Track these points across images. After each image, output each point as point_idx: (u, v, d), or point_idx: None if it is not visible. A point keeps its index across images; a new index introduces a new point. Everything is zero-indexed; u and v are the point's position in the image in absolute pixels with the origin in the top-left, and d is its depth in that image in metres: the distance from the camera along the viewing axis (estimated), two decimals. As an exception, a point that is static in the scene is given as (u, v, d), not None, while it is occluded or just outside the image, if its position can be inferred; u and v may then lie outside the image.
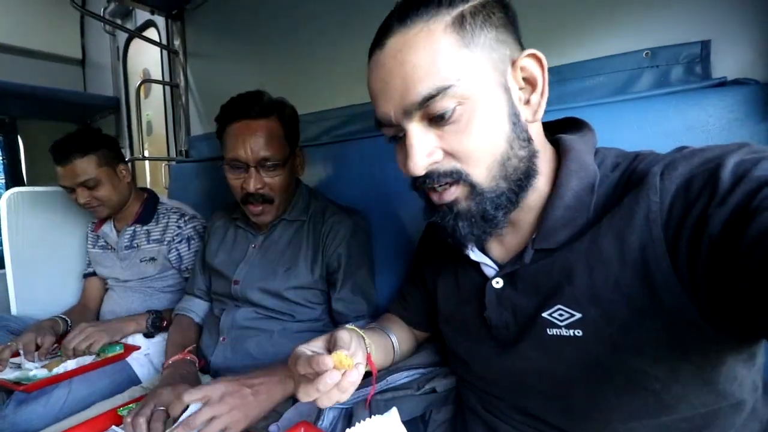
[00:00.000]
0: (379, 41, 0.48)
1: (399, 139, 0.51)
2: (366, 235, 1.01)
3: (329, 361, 0.46)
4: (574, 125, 0.56)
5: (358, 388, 0.66)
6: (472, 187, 0.48)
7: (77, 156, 1.21)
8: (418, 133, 0.47)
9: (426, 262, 0.75)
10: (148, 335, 1.23)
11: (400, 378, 0.71)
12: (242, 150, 0.89)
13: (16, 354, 1.08)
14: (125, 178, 1.33)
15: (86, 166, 1.23)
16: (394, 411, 0.57)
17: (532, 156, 0.49)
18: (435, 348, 0.78)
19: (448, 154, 0.48)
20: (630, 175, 0.47)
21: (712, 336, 0.40)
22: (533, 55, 0.47)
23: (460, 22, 0.44)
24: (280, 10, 1.48)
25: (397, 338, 0.75)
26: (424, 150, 0.47)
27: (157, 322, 1.23)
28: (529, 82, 0.48)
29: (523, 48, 0.49)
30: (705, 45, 0.71)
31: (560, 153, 0.52)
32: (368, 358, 0.57)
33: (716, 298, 0.38)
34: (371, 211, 1.08)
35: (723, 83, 0.67)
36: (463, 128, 0.46)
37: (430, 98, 0.44)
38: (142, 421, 0.73)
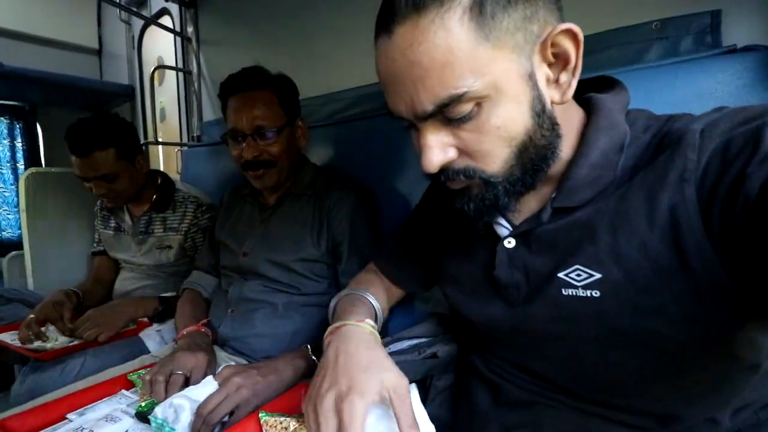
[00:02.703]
0: (386, 24, 0.43)
1: (413, 128, 0.48)
2: (371, 209, 1.02)
3: None
4: (607, 84, 0.53)
5: None
6: (486, 180, 0.46)
7: (97, 149, 1.17)
8: (432, 131, 0.45)
9: (430, 219, 0.73)
10: (153, 321, 1.24)
11: (401, 345, 0.72)
12: (239, 121, 0.93)
13: (41, 323, 1.12)
14: (142, 169, 1.31)
15: (105, 160, 1.19)
16: (414, 389, 0.56)
17: (554, 140, 0.46)
18: (437, 319, 0.78)
19: (463, 152, 0.46)
20: (664, 136, 0.44)
21: (738, 300, 0.38)
22: (568, 31, 0.41)
23: (480, 5, 0.39)
24: (289, -4, 1.49)
25: (380, 305, 0.71)
26: (439, 149, 0.45)
27: (164, 314, 1.23)
28: (560, 59, 0.43)
29: (558, 11, 0.44)
30: (715, 14, 0.70)
31: (590, 111, 0.49)
32: None
33: (748, 261, 0.36)
34: (378, 190, 1.08)
35: (733, 50, 0.66)
36: (480, 127, 0.43)
37: (443, 106, 0.42)
38: (161, 379, 0.74)
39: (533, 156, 0.45)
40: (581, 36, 0.42)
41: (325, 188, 1.02)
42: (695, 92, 0.65)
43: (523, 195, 0.48)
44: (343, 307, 0.65)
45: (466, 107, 0.42)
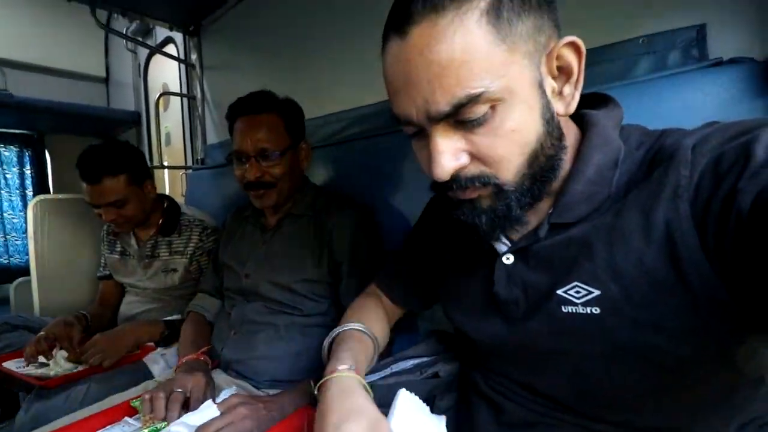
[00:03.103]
0: (399, 26, 0.42)
1: (420, 135, 0.47)
2: (372, 228, 1.03)
3: None
4: (600, 101, 0.53)
5: (368, 373, 0.66)
6: (499, 188, 0.46)
7: (108, 176, 1.19)
8: (442, 135, 0.44)
9: (429, 237, 0.72)
10: (159, 345, 1.24)
11: (405, 364, 0.72)
12: (243, 142, 0.96)
13: (50, 343, 1.13)
14: (150, 194, 1.33)
15: (115, 186, 1.21)
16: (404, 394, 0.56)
17: (560, 151, 0.46)
18: (437, 338, 0.78)
19: (476, 157, 0.45)
20: (657, 151, 0.44)
21: (736, 314, 0.38)
22: (572, 43, 0.43)
23: (497, 9, 0.40)
24: (290, 23, 1.53)
25: (379, 336, 0.70)
26: (451, 154, 0.44)
27: (169, 338, 1.23)
28: (564, 71, 0.44)
29: (559, 30, 0.45)
30: (700, 29, 0.71)
31: (584, 128, 0.49)
32: None
33: (744, 275, 0.36)
34: (377, 209, 1.09)
35: (719, 63, 0.67)
36: (494, 131, 0.42)
37: (460, 107, 0.41)
38: (161, 395, 0.75)
39: (543, 165, 0.46)
40: (584, 49, 0.43)
41: (325, 208, 1.03)
42: (683, 105, 0.66)
43: (532, 207, 0.48)
44: (335, 349, 0.63)
45: (482, 109, 0.41)
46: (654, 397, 0.46)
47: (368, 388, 0.56)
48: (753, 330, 0.40)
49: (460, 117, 0.42)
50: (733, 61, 0.65)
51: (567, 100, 0.45)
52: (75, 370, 1.08)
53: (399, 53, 0.43)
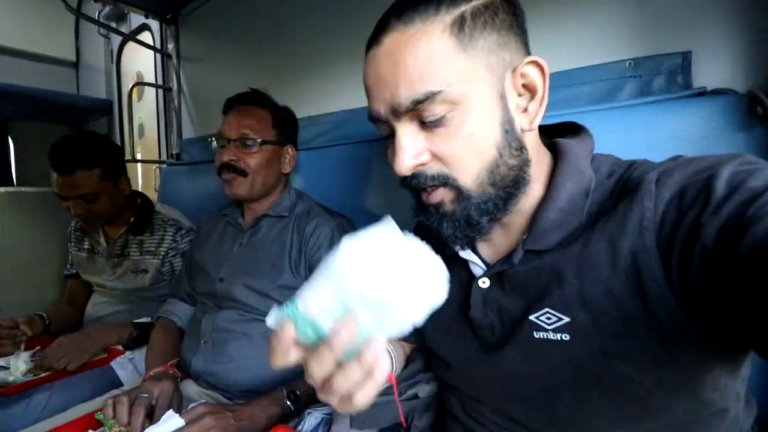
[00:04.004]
0: (375, 37, 0.47)
1: (391, 136, 0.50)
2: None
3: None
4: (572, 130, 0.55)
5: None
6: (459, 192, 0.48)
7: (81, 168, 1.14)
8: (407, 133, 0.47)
9: None
10: (127, 347, 1.20)
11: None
12: (227, 127, 0.99)
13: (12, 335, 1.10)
14: (124, 191, 1.28)
15: (87, 180, 1.16)
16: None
17: (523, 165, 0.48)
18: (419, 356, 0.77)
19: (436, 157, 0.47)
20: (625, 182, 0.46)
21: (701, 345, 0.40)
22: (535, 62, 0.46)
23: (459, 24, 0.44)
24: (274, 17, 1.49)
25: (395, 354, 0.70)
26: (412, 151, 0.47)
27: (139, 340, 1.18)
28: (529, 90, 0.48)
29: (528, 52, 0.48)
30: (686, 56, 0.72)
31: (557, 156, 0.51)
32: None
33: (708, 308, 0.37)
34: (359, 216, 1.07)
35: (703, 93, 0.68)
36: (452, 133, 0.45)
37: (419, 102, 0.44)
38: (124, 400, 0.73)
39: (504, 175, 0.47)
40: (547, 68, 0.46)
41: (305, 214, 1.01)
42: (668, 133, 0.67)
43: (497, 218, 0.50)
44: None
45: (440, 108, 0.44)
46: (623, 425, 0.47)
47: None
48: (717, 361, 0.42)
49: (420, 113, 0.45)
50: (716, 92, 0.67)
51: (531, 116, 0.48)
52: (37, 377, 1.03)
53: (374, 57, 0.47)
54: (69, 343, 1.08)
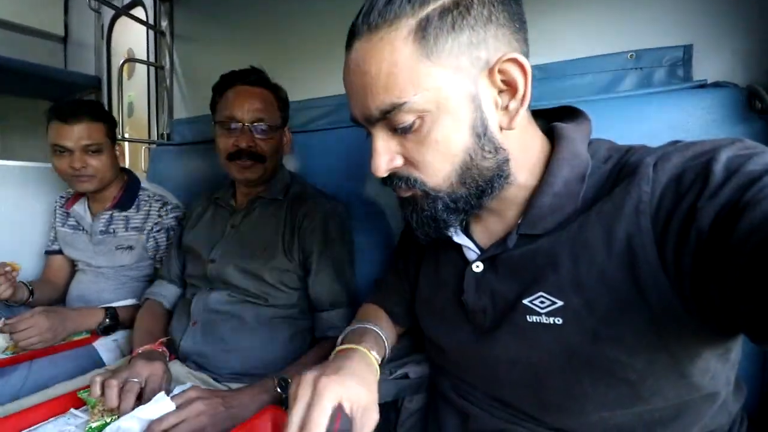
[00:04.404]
0: (348, 40, 0.48)
1: (370, 136, 0.51)
2: (344, 222, 1.00)
3: None
4: (570, 114, 0.55)
5: None
6: (426, 192, 0.49)
7: (88, 118, 1.16)
8: (381, 138, 0.48)
9: (409, 248, 0.74)
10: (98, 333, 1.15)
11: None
12: (239, 110, 0.94)
13: None
14: (117, 159, 1.29)
15: (94, 131, 1.18)
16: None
17: (499, 164, 0.48)
18: (407, 338, 0.77)
19: (408, 161, 0.49)
20: (622, 167, 0.46)
21: (693, 329, 0.40)
22: (513, 60, 0.44)
23: (423, 28, 0.42)
24: (270, 1, 1.45)
25: (387, 337, 0.69)
26: (386, 155, 0.48)
27: (109, 328, 1.14)
28: (510, 86, 0.45)
29: (522, 41, 0.46)
30: (687, 49, 0.73)
31: (554, 141, 0.51)
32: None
33: (701, 292, 0.37)
34: (352, 200, 1.07)
35: (703, 85, 0.68)
36: (422, 140, 0.46)
37: (387, 112, 0.45)
38: (114, 383, 0.70)
39: (476, 176, 0.48)
40: (528, 66, 0.44)
41: (298, 197, 1.00)
42: (668, 124, 0.68)
43: (468, 214, 0.51)
44: (351, 337, 0.63)
45: (408, 117, 0.45)
46: (614, 408, 0.48)
47: (377, 367, 0.57)
48: (708, 345, 0.42)
49: (390, 121, 0.46)
50: (717, 85, 0.67)
51: (512, 114, 0.46)
52: (15, 355, 1.00)
53: (347, 63, 0.48)
54: (43, 320, 1.01)
